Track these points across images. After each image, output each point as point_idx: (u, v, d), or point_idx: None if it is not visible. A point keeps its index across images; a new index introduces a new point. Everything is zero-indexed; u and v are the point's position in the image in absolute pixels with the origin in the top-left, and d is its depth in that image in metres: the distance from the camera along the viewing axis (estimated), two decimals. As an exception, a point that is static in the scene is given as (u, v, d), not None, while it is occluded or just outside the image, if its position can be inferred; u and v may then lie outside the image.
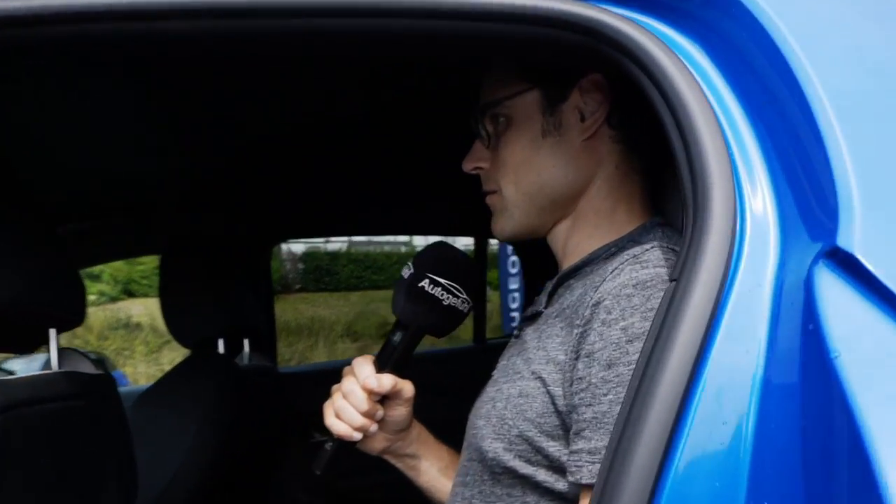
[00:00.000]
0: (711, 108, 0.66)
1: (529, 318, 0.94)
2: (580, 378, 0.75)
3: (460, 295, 0.94)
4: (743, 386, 0.57)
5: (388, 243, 15.16)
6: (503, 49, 0.80)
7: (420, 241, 15.06)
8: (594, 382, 0.73)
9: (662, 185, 0.95)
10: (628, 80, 0.70)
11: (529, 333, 0.90)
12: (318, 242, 13.52)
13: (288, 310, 10.14)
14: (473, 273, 0.95)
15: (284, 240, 2.44)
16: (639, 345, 0.70)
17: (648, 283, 0.74)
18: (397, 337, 0.95)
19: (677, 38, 0.72)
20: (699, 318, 0.58)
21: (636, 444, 0.57)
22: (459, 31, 0.71)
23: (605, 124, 0.87)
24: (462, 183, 0.99)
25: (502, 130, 0.90)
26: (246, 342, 1.88)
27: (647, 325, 0.70)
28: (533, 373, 0.83)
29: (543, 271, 0.99)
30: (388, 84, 1.34)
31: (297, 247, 12.86)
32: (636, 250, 0.79)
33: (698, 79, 0.68)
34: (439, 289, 0.92)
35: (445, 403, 1.35)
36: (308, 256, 13.00)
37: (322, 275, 13.01)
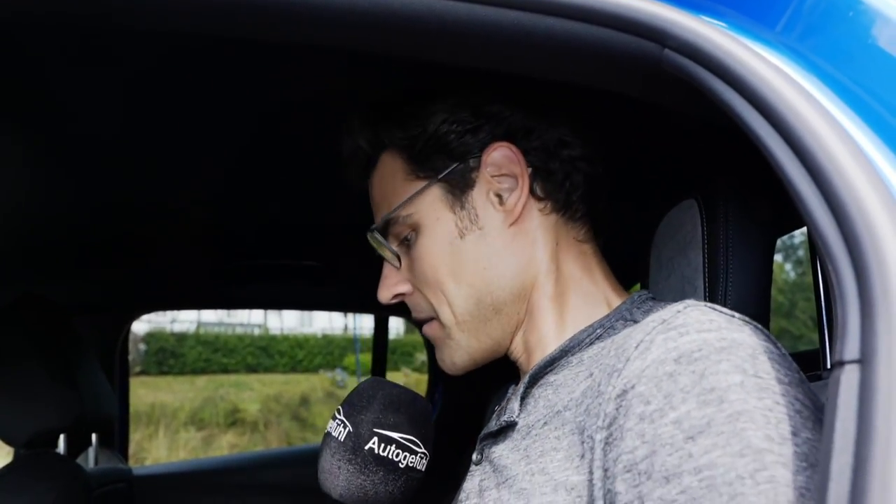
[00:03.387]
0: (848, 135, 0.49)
1: (495, 434, 0.70)
2: None
3: (418, 449, 0.68)
4: None
5: (240, 325, 14.38)
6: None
7: (275, 325, 14.51)
8: None
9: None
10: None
11: (505, 455, 0.66)
12: (164, 322, 12.64)
13: (125, 394, 9.18)
14: (426, 413, 0.70)
15: (152, 310, 2.05)
16: (705, 442, 0.48)
17: (697, 355, 0.52)
18: None
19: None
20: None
21: None
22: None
23: (529, 199, 0.73)
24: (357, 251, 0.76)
25: (411, 244, 0.75)
26: (94, 437, 1.51)
27: (710, 412, 0.49)
28: None
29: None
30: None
31: (140, 325, 11.92)
32: (662, 315, 0.57)
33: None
34: (393, 447, 0.66)
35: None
36: (151, 337, 12.07)
37: (166, 357, 12.09)
